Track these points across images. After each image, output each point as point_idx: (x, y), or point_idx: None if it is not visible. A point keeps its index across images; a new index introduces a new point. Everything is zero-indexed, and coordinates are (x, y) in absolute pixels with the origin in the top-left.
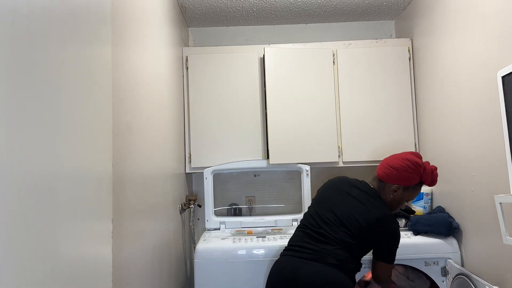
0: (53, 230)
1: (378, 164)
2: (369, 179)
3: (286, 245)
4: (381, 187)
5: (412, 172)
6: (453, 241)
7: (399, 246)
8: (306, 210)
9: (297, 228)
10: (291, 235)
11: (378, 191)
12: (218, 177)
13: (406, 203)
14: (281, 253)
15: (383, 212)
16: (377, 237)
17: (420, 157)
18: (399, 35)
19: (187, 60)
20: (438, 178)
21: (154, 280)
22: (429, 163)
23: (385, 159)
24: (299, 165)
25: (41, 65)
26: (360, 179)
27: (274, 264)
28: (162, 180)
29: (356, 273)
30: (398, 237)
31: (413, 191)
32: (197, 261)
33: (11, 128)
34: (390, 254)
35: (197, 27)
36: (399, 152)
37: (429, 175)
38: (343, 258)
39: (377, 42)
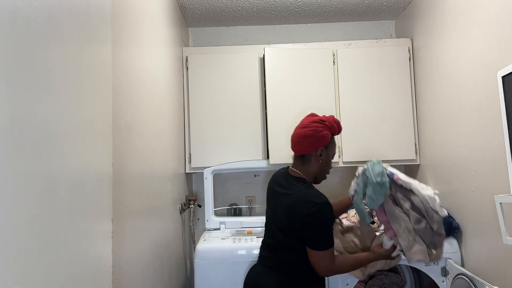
0: (53, 230)
1: None
2: None
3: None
4: (306, 160)
5: (322, 129)
6: (453, 241)
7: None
8: None
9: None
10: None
11: (300, 171)
12: (218, 177)
13: (333, 158)
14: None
15: (295, 198)
16: (298, 224)
17: (316, 115)
18: (399, 35)
19: (187, 60)
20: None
21: (154, 280)
22: (324, 116)
23: (292, 136)
24: None
25: (41, 65)
26: (285, 168)
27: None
28: (162, 180)
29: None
30: (318, 218)
31: (332, 146)
32: (197, 261)
33: (11, 128)
34: (318, 239)
35: (197, 27)
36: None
37: (333, 124)
38: (291, 263)
39: (377, 42)
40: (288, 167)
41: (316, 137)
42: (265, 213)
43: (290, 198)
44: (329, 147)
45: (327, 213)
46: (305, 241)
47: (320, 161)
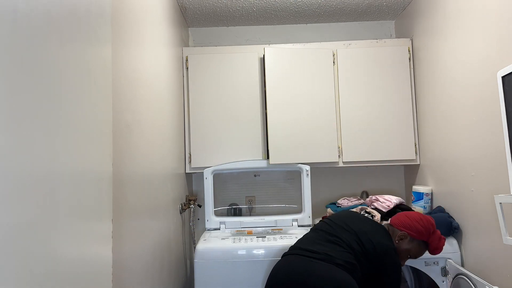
0: (53, 230)
1: (377, 164)
2: (369, 179)
3: (293, 245)
4: (390, 231)
5: (423, 226)
6: (453, 241)
7: None
8: (306, 210)
9: (309, 231)
10: (301, 236)
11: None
12: (218, 177)
13: (407, 259)
14: (286, 252)
15: (391, 243)
16: (381, 267)
17: (435, 224)
18: (399, 35)
19: (187, 60)
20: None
21: (154, 280)
22: (439, 232)
23: (408, 214)
24: (299, 165)
25: (41, 65)
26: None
27: (281, 261)
28: (162, 180)
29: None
30: (399, 276)
31: (418, 247)
32: (197, 261)
33: (11, 128)
34: (394, 279)
35: (197, 27)
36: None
37: (436, 239)
38: (351, 261)
39: (377, 42)
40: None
41: (413, 223)
42: (328, 220)
43: (387, 239)
44: (413, 243)
45: (400, 273)
46: (378, 286)
47: (397, 242)
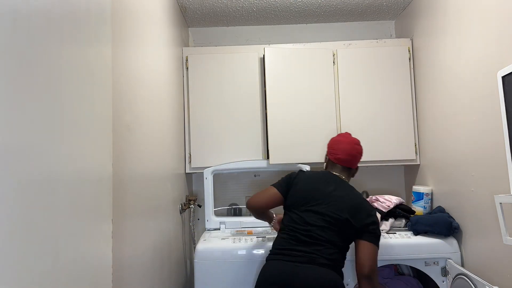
0: (53, 230)
1: (377, 164)
2: (369, 179)
3: (272, 249)
4: (346, 174)
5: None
6: (453, 241)
7: (400, 245)
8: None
9: (280, 231)
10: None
11: (347, 180)
12: (218, 177)
13: None
14: (268, 257)
15: (362, 197)
16: (361, 218)
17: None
18: (399, 35)
19: (187, 60)
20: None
21: (154, 280)
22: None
23: (350, 149)
24: (299, 165)
25: (41, 65)
26: (326, 172)
27: (264, 268)
28: (162, 180)
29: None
30: (377, 218)
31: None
32: (197, 261)
33: (11, 128)
34: (375, 233)
35: (197, 27)
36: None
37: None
38: (334, 257)
39: (377, 42)
40: (330, 171)
41: (359, 157)
42: (295, 205)
43: (357, 195)
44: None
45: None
46: (364, 233)
47: (352, 177)
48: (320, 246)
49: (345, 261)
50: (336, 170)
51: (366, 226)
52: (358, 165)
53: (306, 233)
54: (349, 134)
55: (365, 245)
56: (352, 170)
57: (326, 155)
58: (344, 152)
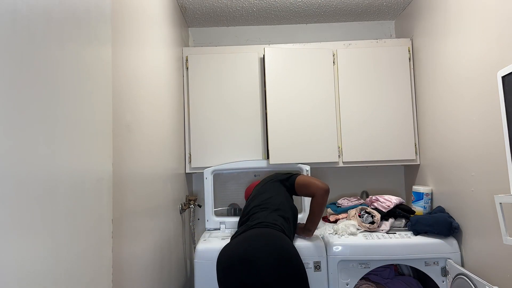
0: (53, 230)
1: (377, 164)
2: (369, 179)
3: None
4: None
5: None
6: (453, 241)
7: (400, 245)
8: (306, 210)
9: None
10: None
11: None
12: (218, 177)
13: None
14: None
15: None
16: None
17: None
18: (399, 35)
19: (187, 60)
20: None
21: (154, 280)
22: None
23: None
24: (299, 165)
25: (41, 65)
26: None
27: (232, 243)
28: (162, 180)
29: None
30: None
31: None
32: (197, 261)
33: (11, 128)
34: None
35: (197, 27)
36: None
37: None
38: (280, 219)
39: (377, 42)
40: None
41: None
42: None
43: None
44: None
45: None
46: (292, 177)
47: None
48: (262, 211)
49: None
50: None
51: (287, 175)
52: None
53: (252, 214)
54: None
55: (301, 177)
56: None
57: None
58: None
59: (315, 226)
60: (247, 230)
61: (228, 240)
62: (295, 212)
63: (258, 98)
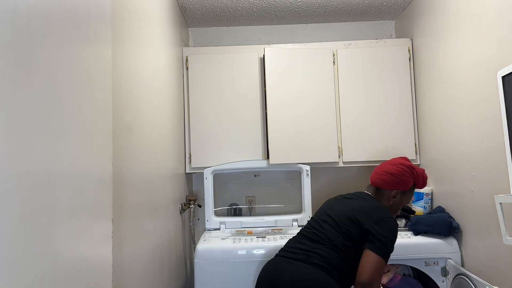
0: (53, 230)
1: (378, 164)
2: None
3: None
4: (379, 195)
5: (408, 176)
6: (453, 241)
7: (399, 245)
8: (306, 210)
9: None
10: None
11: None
12: (218, 177)
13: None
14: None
15: (382, 208)
16: (369, 218)
17: (409, 161)
18: (399, 35)
19: (187, 60)
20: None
21: (154, 280)
22: (417, 166)
23: (378, 167)
24: (299, 165)
25: (41, 65)
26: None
27: (267, 263)
28: (162, 180)
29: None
30: (394, 231)
31: (409, 195)
32: (197, 261)
33: (11, 128)
34: (383, 243)
35: (197, 27)
36: (394, 157)
37: (420, 177)
38: (331, 258)
39: (377, 42)
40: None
41: (400, 179)
42: (314, 215)
43: (366, 203)
44: (405, 194)
45: (397, 229)
46: (369, 239)
47: (391, 202)
48: (319, 244)
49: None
50: (368, 189)
51: (373, 230)
52: (357, 164)
53: (311, 231)
54: (404, 158)
55: (366, 253)
56: (381, 190)
57: None
58: (374, 172)
59: None
60: (305, 260)
61: (227, 240)
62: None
63: (258, 98)
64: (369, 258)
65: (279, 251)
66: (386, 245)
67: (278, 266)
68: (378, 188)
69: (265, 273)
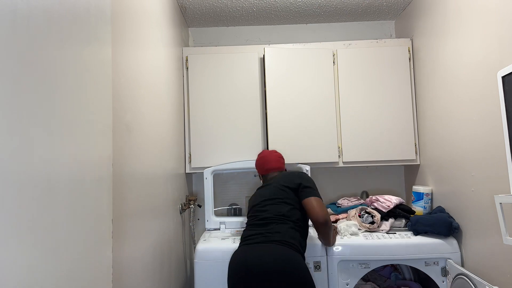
0: (53, 230)
1: (377, 164)
2: (369, 179)
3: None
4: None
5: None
6: (453, 241)
7: (400, 245)
8: None
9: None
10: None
11: None
12: (218, 177)
13: None
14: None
15: (298, 171)
16: (297, 179)
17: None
18: (399, 35)
19: (187, 60)
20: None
21: (154, 280)
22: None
23: (265, 156)
24: (299, 165)
25: (41, 65)
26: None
27: (240, 252)
28: (162, 180)
29: (306, 237)
30: (312, 179)
31: None
32: (197, 261)
33: (11, 128)
34: (313, 188)
35: (197, 27)
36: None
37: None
38: (284, 230)
39: (377, 42)
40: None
41: (283, 159)
42: (250, 209)
43: (281, 175)
44: None
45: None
46: (307, 192)
47: None
48: (271, 224)
49: (344, 261)
50: (271, 176)
51: (302, 181)
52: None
53: (256, 217)
54: (269, 151)
55: (309, 200)
56: (282, 172)
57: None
58: (269, 161)
59: (328, 241)
60: (266, 242)
61: (227, 240)
62: (306, 221)
63: (258, 98)
64: (313, 202)
65: (241, 244)
66: (315, 188)
67: (247, 251)
68: (280, 171)
69: (237, 261)
